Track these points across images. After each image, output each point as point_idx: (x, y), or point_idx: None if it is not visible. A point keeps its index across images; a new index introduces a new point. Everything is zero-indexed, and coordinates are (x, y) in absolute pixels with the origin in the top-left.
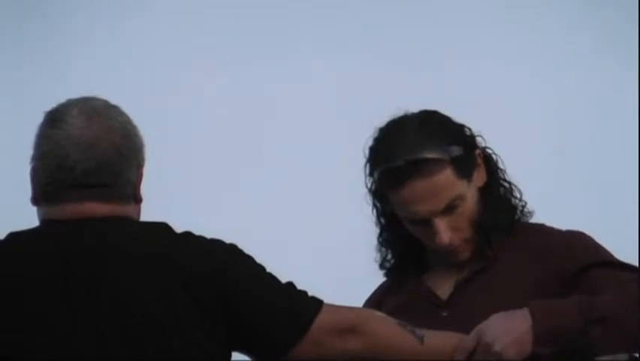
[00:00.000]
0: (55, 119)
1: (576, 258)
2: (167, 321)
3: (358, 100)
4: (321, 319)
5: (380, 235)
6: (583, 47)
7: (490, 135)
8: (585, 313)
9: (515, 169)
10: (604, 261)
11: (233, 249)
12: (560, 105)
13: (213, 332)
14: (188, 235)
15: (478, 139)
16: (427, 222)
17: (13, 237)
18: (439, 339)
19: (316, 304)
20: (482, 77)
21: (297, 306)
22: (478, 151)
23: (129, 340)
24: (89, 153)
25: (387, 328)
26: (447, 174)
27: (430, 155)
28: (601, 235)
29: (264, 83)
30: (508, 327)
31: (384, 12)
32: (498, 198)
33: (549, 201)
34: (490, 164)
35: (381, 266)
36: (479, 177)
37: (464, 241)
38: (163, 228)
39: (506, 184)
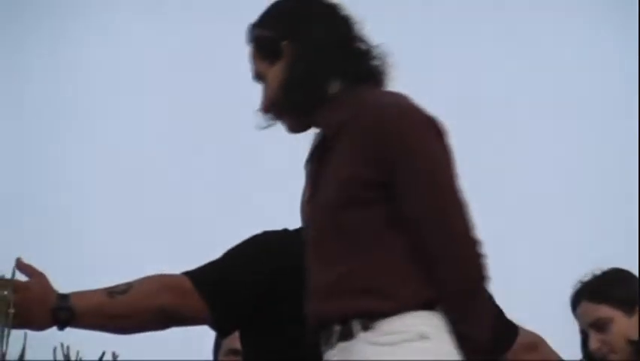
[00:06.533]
0: None
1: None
2: None
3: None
4: None
5: None
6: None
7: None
8: None
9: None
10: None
11: None
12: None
13: None
14: None
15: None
16: None
17: None
18: None
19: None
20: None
21: None
22: (285, 43)
23: None
24: None
25: None
26: (253, 49)
27: (252, 26)
28: (601, 236)
29: None
30: None
31: None
32: (293, 79)
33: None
34: (299, 56)
35: None
36: (283, 65)
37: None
38: None
39: (309, 68)
